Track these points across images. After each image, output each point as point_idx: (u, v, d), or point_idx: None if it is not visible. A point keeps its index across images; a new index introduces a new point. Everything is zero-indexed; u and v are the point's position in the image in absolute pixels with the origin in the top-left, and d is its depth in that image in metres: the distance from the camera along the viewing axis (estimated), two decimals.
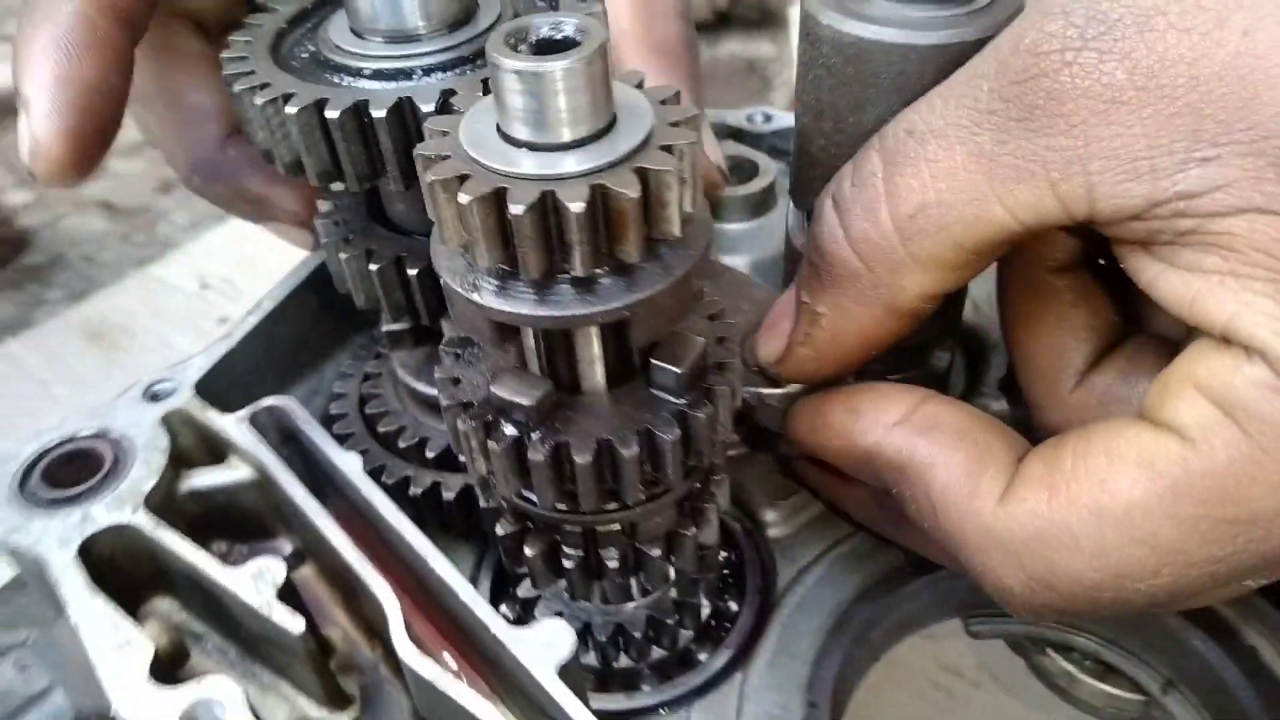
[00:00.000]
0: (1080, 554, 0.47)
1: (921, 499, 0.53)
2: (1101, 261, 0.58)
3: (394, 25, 0.56)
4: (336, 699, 0.60)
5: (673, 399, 0.51)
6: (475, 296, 0.46)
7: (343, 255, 0.62)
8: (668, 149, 0.43)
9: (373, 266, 0.60)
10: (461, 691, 0.51)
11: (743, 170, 0.88)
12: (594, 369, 0.51)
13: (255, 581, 0.56)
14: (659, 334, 0.48)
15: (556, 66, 0.41)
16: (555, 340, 0.50)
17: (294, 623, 0.55)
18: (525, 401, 0.49)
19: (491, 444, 0.50)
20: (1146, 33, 0.43)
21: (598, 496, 0.51)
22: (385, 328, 0.69)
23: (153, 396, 0.68)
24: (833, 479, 0.67)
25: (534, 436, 0.50)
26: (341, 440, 0.70)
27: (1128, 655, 0.68)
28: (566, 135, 0.43)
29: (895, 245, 0.51)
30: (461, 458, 0.56)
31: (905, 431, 0.54)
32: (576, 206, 0.41)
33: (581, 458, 0.49)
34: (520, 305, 0.45)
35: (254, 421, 0.66)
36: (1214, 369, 0.44)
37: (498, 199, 0.42)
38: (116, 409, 0.67)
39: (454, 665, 0.58)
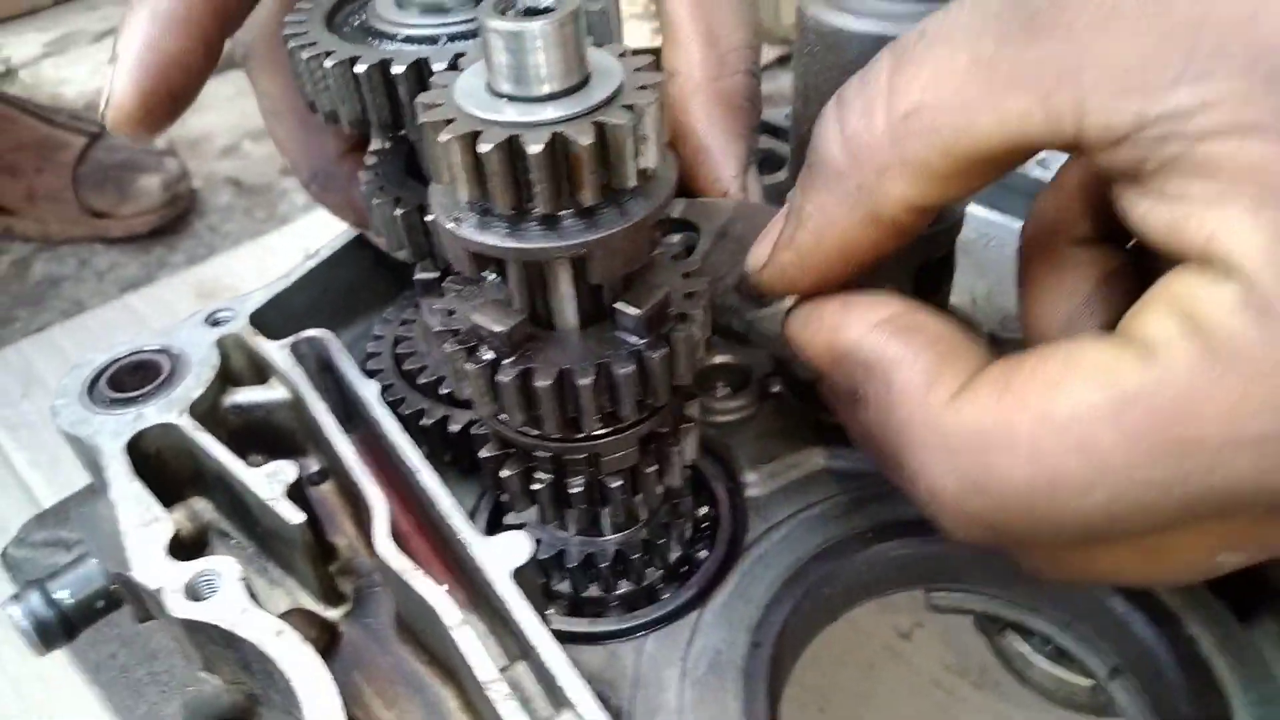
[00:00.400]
0: (1017, 457, 0.45)
1: (881, 395, 0.52)
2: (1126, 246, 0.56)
3: None
4: (332, 596, 0.67)
5: (633, 339, 0.57)
6: (455, 228, 0.52)
7: (375, 201, 0.69)
8: (629, 107, 0.49)
9: (398, 212, 0.68)
10: (421, 582, 0.57)
11: (773, 161, 0.93)
12: (566, 307, 0.57)
13: (269, 479, 0.64)
14: (616, 274, 0.54)
15: (532, 27, 0.47)
16: (533, 278, 0.56)
17: (294, 515, 0.62)
18: (499, 329, 0.55)
19: (469, 366, 0.57)
20: None
21: (560, 422, 0.57)
22: (417, 276, 0.76)
23: (214, 322, 0.77)
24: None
25: (505, 362, 0.56)
26: (372, 375, 0.78)
27: (1080, 640, 0.70)
28: (540, 90, 0.49)
29: (885, 144, 0.50)
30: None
31: (884, 330, 0.53)
32: (534, 149, 0.47)
33: (542, 382, 0.55)
34: (492, 237, 0.51)
35: (294, 349, 0.74)
36: (1188, 286, 0.43)
37: (473, 139, 0.48)
38: (180, 330, 0.76)
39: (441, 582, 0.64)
